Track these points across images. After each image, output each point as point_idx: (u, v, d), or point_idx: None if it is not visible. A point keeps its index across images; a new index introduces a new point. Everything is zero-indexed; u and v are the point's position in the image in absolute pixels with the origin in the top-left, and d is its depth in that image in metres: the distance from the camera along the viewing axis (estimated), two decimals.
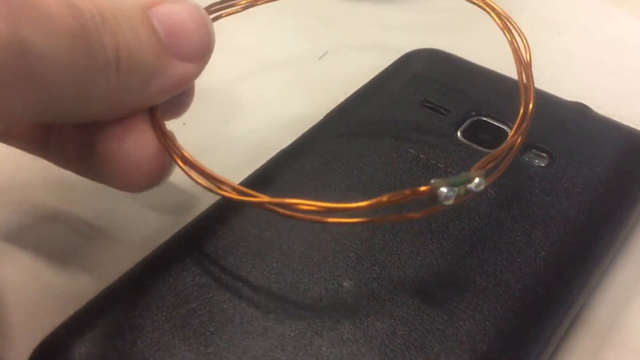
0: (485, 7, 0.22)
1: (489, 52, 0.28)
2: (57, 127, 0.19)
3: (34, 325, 0.18)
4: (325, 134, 0.24)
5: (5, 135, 0.19)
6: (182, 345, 0.17)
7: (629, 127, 0.25)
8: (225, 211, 0.20)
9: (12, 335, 0.19)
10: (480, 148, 0.23)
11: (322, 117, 0.25)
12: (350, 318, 0.18)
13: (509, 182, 0.22)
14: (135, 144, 0.18)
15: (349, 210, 0.17)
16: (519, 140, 0.20)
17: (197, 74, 0.18)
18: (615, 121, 0.25)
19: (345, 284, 0.18)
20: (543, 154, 0.23)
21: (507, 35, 0.21)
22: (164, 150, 0.18)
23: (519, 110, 0.20)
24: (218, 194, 0.18)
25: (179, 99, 0.19)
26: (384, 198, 0.17)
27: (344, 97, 0.26)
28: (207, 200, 0.21)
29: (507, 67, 0.27)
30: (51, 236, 0.22)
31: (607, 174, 0.23)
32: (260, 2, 0.23)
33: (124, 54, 0.16)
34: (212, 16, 0.20)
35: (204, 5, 0.19)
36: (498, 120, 0.24)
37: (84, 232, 0.22)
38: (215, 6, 0.21)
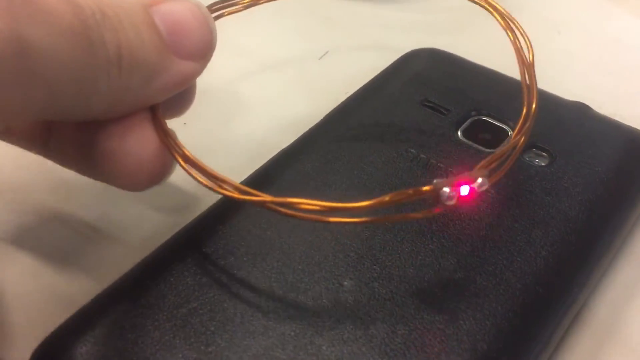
0: (488, 7, 0.22)
1: (490, 52, 0.28)
2: (58, 126, 0.19)
3: (35, 325, 0.18)
4: (326, 134, 0.24)
5: (5, 133, 0.19)
6: (183, 345, 0.17)
7: (630, 126, 0.25)
8: (225, 211, 0.20)
9: (13, 335, 0.19)
10: (480, 148, 0.23)
11: (322, 117, 0.25)
12: (350, 317, 0.18)
13: (509, 182, 0.22)
14: (137, 143, 0.17)
15: (351, 209, 0.17)
16: (522, 140, 0.19)
17: (198, 72, 0.18)
18: (615, 121, 0.25)
19: (345, 283, 0.18)
20: (543, 154, 0.23)
21: (510, 35, 0.21)
22: (165, 149, 0.18)
23: (522, 110, 0.20)
24: (219, 193, 0.18)
25: (180, 97, 0.19)
26: (386, 198, 0.17)
27: (344, 97, 0.26)
28: (208, 200, 0.21)
29: (507, 67, 0.27)
30: (52, 236, 0.22)
31: (608, 173, 0.23)
32: (262, 1, 0.23)
33: (126, 52, 0.16)
34: (214, 15, 0.20)
35: (206, 4, 0.19)
36: (498, 120, 0.24)
37: (84, 232, 0.23)
38: (217, 5, 0.21)
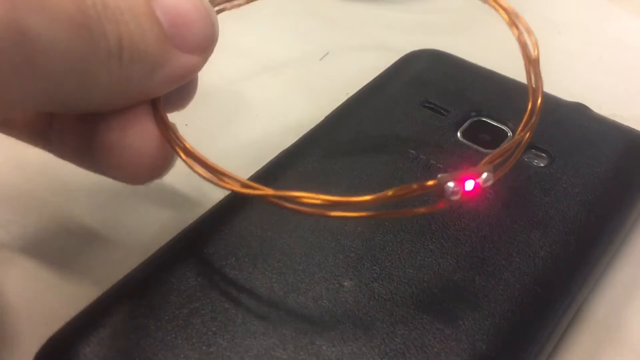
0: (493, 3, 0.22)
1: (490, 53, 0.28)
2: (58, 118, 0.19)
3: (38, 327, 0.18)
4: (327, 135, 0.24)
5: (5, 125, 0.19)
6: (185, 345, 0.17)
7: (629, 127, 0.25)
8: (226, 212, 0.20)
9: (16, 337, 0.20)
10: (480, 148, 0.23)
11: (323, 118, 0.25)
12: (350, 317, 0.18)
13: (508, 182, 0.22)
14: (137, 136, 0.17)
15: (354, 204, 0.17)
16: (527, 135, 0.19)
17: (200, 66, 0.18)
18: (615, 121, 0.25)
19: (345, 283, 0.19)
20: (543, 154, 0.23)
21: (515, 31, 0.21)
22: (166, 142, 0.18)
23: (527, 106, 0.20)
24: (221, 186, 0.18)
25: (181, 91, 0.19)
26: (389, 192, 0.16)
27: (345, 97, 0.26)
28: (210, 202, 0.21)
29: (507, 68, 0.27)
30: (54, 238, 0.22)
31: (607, 174, 0.23)
32: None
33: (127, 44, 0.16)
34: (216, 8, 0.20)
35: None
36: (498, 121, 0.24)
37: (87, 233, 0.23)
38: None
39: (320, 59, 0.31)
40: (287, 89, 0.30)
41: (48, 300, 0.20)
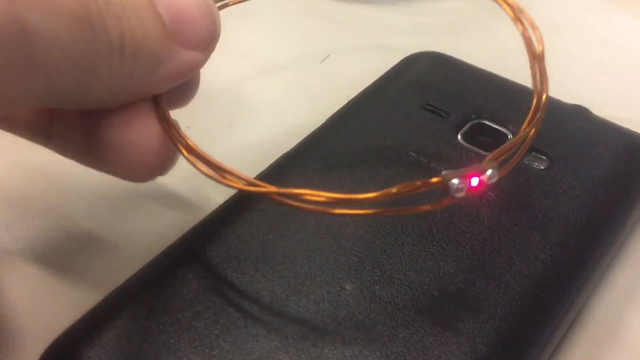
0: None
1: (490, 55, 0.29)
2: (59, 114, 0.18)
3: (41, 330, 0.18)
4: (328, 137, 0.24)
5: (6, 121, 0.19)
6: (188, 348, 0.17)
7: (629, 130, 0.25)
8: (228, 215, 0.21)
9: (20, 340, 0.20)
10: (480, 151, 0.23)
11: (324, 120, 0.25)
12: (352, 320, 0.18)
13: (508, 185, 0.22)
14: (139, 133, 0.17)
15: (357, 201, 0.17)
16: (532, 132, 0.19)
17: (202, 62, 0.18)
18: (614, 124, 0.25)
19: (347, 286, 0.19)
20: (542, 157, 0.23)
21: (519, 26, 0.21)
22: (168, 140, 0.18)
23: (532, 101, 0.20)
24: (224, 184, 0.18)
25: (183, 87, 0.18)
26: (394, 189, 0.16)
27: (346, 100, 0.26)
28: (211, 205, 0.21)
29: (508, 70, 0.27)
30: (56, 240, 0.23)
31: (606, 176, 0.23)
32: None
33: (129, 39, 0.16)
34: (218, 4, 0.20)
35: None
36: (498, 123, 0.25)
37: (89, 236, 0.23)
38: None
39: (322, 61, 0.31)
40: (288, 91, 0.30)
41: (51, 303, 0.21)
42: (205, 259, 0.19)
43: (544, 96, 0.20)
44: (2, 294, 0.21)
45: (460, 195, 0.17)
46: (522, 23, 0.21)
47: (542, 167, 0.23)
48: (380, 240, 0.20)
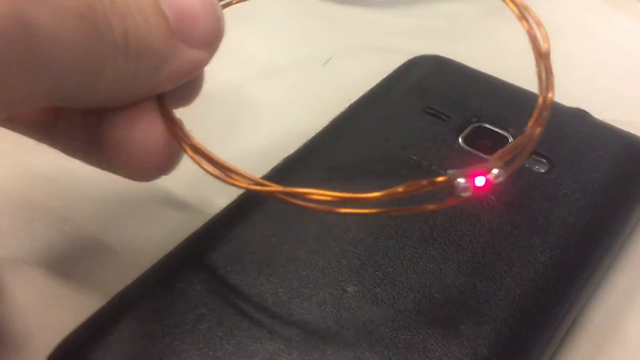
0: None
1: (491, 58, 0.29)
2: (64, 113, 0.18)
3: (46, 333, 0.19)
4: (330, 141, 0.24)
5: (10, 121, 0.19)
6: (192, 350, 0.17)
7: (629, 133, 0.25)
8: (231, 219, 0.21)
9: (25, 343, 0.20)
10: (481, 154, 0.24)
11: (326, 124, 0.25)
12: (354, 322, 0.18)
13: (509, 188, 0.22)
14: (144, 131, 0.17)
15: (362, 200, 0.16)
16: (538, 130, 0.19)
17: (206, 61, 0.18)
18: (615, 127, 0.25)
19: (349, 289, 0.19)
20: (543, 160, 0.24)
21: (524, 24, 0.20)
22: (173, 139, 0.17)
23: (538, 100, 0.19)
24: (229, 183, 0.18)
25: (187, 86, 0.18)
26: (399, 188, 0.16)
27: (348, 103, 0.26)
28: (214, 209, 0.21)
29: (508, 73, 0.27)
30: (61, 243, 0.23)
31: (606, 179, 0.23)
32: None
33: (133, 38, 0.16)
34: (222, 3, 0.20)
35: None
36: (499, 127, 0.25)
37: (93, 240, 0.23)
38: None
39: (323, 65, 0.32)
40: (290, 95, 0.30)
41: (56, 306, 0.21)
42: (208, 262, 0.19)
43: (550, 94, 0.20)
44: (7, 296, 0.21)
45: (466, 194, 0.16)
46: (527, 21, 0.20)
47: (543, 170, 0.23)
48: (381, 243, 0.20)
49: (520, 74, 0.27)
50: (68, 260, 0.22)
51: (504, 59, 0.30)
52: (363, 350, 0.18)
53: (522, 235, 0.21)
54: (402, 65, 0.28)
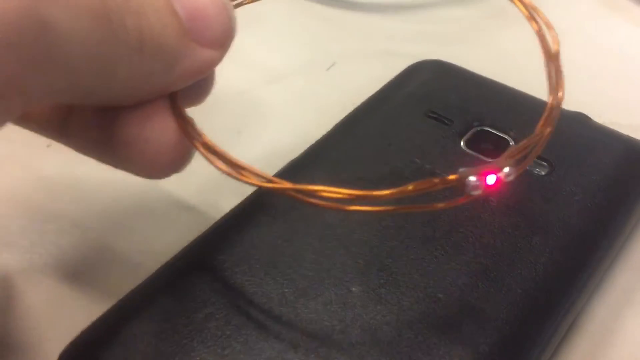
0: None
1: (493, 63, 0.29)
2: (77, 111, 0.18)
3: (58, 333, 0.19)
4: (334, 144, 0.25)
5: (24, 119, 0.19)
6: (201, 348, 0.18)
7: (628, 136, 0.26)
8: (238, 221, 0.21)
9: (37, 343, 0.20)
10: (483, 158, 0.24)
11: (330, 128, 0.25)
12: (359, 322, 0.19)
13: (510, 190, 0.22)
14: (156, 130, 0.17)
15: (373, 197, 0.17)
16: (548, 130, 0.19)
17: (218, 60, 0.18)
18: (614, 131, 0.26)
19: (354, 289, 0.19)
20: (543, 163, 0.24)
21: (534, 25, 0.21)
22: (184, 137, 0.18)
23: (548, 99, 0.20)
24: (241, 180, 0.18)
25: (198, 86, 0.18)
26: (410, 187, 0.16)
27: (351, 107, 0.27)
28: (221, 212, 0.22)
29: (510, 78, 0.27)
30: (70, 245, 0.23)
31: (606, 182, 0.23)
32: None
33: (147, 37, 0.16)
34: (233, 3, 0.20)
35: None
36: (500, 130, 0.25)
37: (104, 241, 0.23)
38: None
39: (328, 69, 0.32)
40: (295, 99, 0.30)
41: (67, 306, 0.21)
42: (216, 263, 0.20)
43: (560, 94, 0.20)
44: (19, 298, 0.21)
45: (477, 193, 0.16)
46: (536, 22, 0.21)
47: (543, 173, 0.24)
48: (385, 244, 0.21)
49: (521, 78, 0.27)
50: (79, 263, 0.23)
51: (506, 64, 0.30)
52: (367, 348, 0.18)
53: (523, 237, 0.21)
54: (405, 69, 0.29)
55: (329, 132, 0.25)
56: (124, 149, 0.17)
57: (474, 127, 0.25)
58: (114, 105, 0.17)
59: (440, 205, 0.18)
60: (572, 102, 0.27)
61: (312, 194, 0.17)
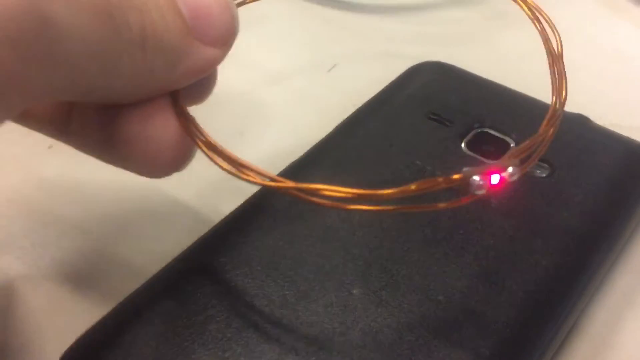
0: None
1: (493, 64, 0.29)
2: (78, 109, 0.18)
3: (60, 334, 0.19)
4: (334, 146, 0.25)
5: (24, 117, 0.19)
6: (202, 351, 0.18)
7: (628, 138, 0.26)
8: (239, 223, 0.21)
9: (39, 344, 0.20)
10: (484, 159, 0.24)
11: (331, 129, 0.25)
12: (360, 324, 0.19)
13: (510, 192, 0.22)
14: (157, 128, 0.17)
15: (376, 197, 0.16)
16: (552, 131, 0.19)
17: (220, 59, 0.18)
18: (615, 132, 0.26)
19: (355, 291, 0.19)
20: (544, 165, 0.24)
21: (537, 25, 0.20)
22: (186, 135, 0.18)
23: (552, 100, 0.20)
24: (243, 179, 0.17)
25: (200, 84, 0.18)
26: (412, 186, 0.16)
27: (352, 109, 0.27)
28: (221, 215, 0.22)
29: (510, 80, 0.27)
30: (71, 247, 0.23)
31: (606, 184, 0.23)
32: None
33: (150, 34, 0.16)
34: (236, 2, 0.20)
35: None
36: (501, 132, 0.25)
37: (104, 241, 0.23)
38: None
39: (329, 71, 0.32)
40: (296, 100, 0.30)
41: (69, 308, 0.21)
42: (217, 265, 0.20)
43: (564, 94, 0.20)
44: (21, 299, 0.21)
45: (481, 192, 0.16)
46: (539, 22, 0.20)
47: (544, 175, 0.24)
48: (386, 246, 0.21)
49: (522, 79, 0.27)
50: (80, 265, 0.23)
51: (506, 65, 0.30)
52: (368, 351, 0.18)
53: (523, 239, 0.21)
54: (406, 71, 0.29)
55: (330, 133, 0.25)
56: (126, 147, 0.17)
57: (475, 129, 0.25)
58: (116, 103, 0.17)
59: (442, 205, 0.17)
60: (572, 103, 0.27)
61: (315, 192, 0.17)
